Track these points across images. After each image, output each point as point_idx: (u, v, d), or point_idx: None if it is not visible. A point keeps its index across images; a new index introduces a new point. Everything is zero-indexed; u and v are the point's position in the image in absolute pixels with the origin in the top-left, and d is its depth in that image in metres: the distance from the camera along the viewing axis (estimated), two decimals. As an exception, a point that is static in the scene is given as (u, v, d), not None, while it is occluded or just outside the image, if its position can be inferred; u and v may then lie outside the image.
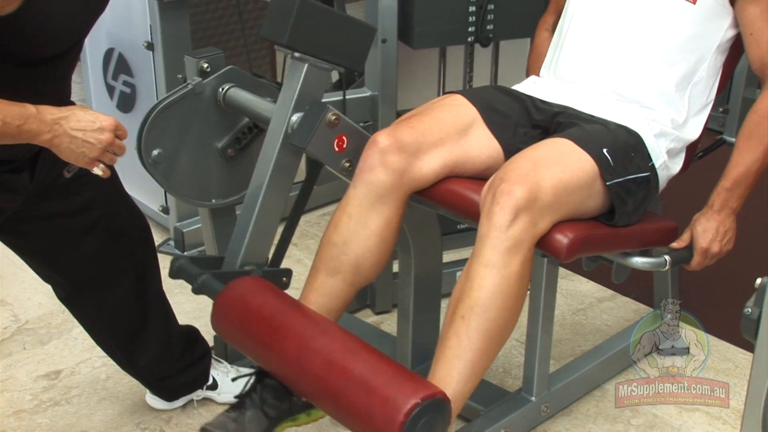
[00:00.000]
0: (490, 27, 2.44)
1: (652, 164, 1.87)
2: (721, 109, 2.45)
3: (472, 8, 2.41)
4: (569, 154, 1.77)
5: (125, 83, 2.99)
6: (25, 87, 1.57)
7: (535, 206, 1.66)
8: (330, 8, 1.92)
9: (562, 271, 2.73)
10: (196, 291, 1.93)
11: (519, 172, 1.69)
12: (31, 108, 1.51)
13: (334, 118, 1.95)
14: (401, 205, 1.89)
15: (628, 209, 1.82)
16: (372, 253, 1.88)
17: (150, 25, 2.71)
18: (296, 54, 1.91)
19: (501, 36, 2.50)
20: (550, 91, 2.03)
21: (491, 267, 1.66)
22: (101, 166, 1.62)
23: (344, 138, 1.98)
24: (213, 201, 2.21)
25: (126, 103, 3.02)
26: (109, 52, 3.02)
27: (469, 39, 2.45)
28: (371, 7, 2.30)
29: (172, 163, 2.10)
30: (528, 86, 2.09)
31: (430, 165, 1.88)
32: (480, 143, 1.93)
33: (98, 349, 2.11)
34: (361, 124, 2.23)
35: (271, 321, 1.75)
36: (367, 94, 2.39)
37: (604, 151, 1.79)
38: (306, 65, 1.93)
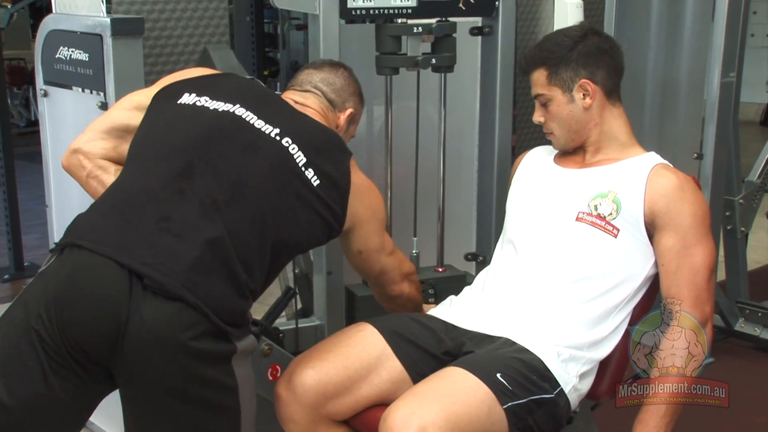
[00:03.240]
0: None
1: (561, 390, 1.90)
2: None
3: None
4: (460, 383, 1.79)
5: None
6: None
7: None
8: None
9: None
10: None
11: (403, 413, 1.71)
12: None
13: (267, 348, 2.04)
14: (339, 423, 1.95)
15: (526, 426, 1.82)
16: None
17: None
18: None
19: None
20: (463, 314, 2.09)
21: None
22: None
23: (278, 368, 2.06)
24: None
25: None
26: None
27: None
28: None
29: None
30: (443, 310, 2.15)
31: (343, 403, 1.92)
32: (391, 377, 1.95)
33: None
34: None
35: None
36: (316, 323, 2.49)
37: (498, 375, 1.81)
38: None
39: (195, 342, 1.59)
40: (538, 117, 2.16)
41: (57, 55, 2.63)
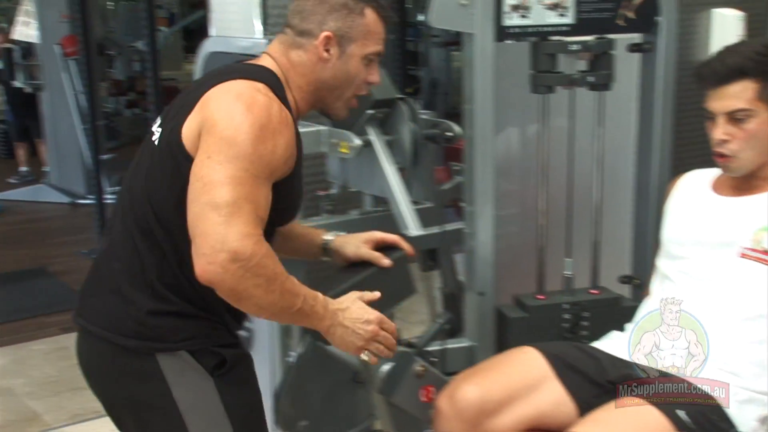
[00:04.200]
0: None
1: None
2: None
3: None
4: (643, 415, 1.75)
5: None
6: None
7: None
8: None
9: None
10: None
11: None
12: (317, 294, 1.68)
13: (420, 369, 2.02)
14: None
15: None
16: None
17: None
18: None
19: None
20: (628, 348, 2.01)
21: None
22: (368, 353, 1.77)
23: (431, 389, 2.04)
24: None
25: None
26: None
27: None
28: (469, 261, 2.42)
29: (316, 421, 2.20)
30: (606, 343, 2.10)
31: (502, 421, 1.90)
32: (553, 399, 1.92)
33: None
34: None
35: None
36: (466, 344, 2.45)
37: (680, 413, 1.75)
38: None
39: (106, 364, 1.69)
40: (722, 134, 1.97)
41: (216, 76, 2.71)
